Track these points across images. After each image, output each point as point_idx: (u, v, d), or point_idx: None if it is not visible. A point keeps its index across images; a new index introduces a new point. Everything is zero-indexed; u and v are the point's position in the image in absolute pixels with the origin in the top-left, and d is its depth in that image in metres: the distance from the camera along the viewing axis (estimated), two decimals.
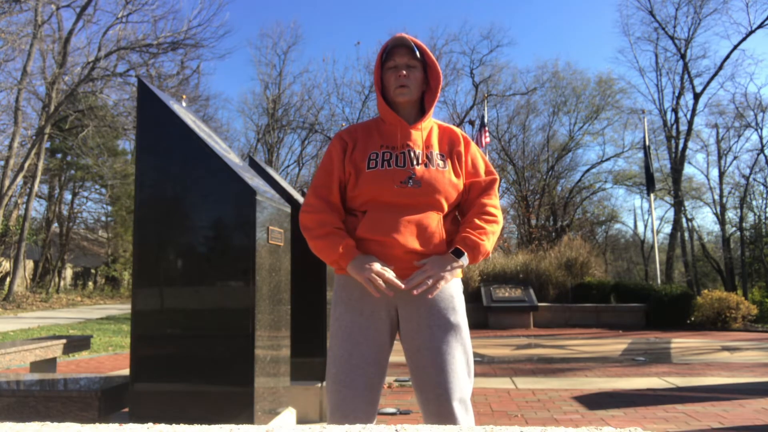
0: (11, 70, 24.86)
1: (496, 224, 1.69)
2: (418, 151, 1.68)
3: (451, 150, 1.73)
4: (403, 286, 1.56)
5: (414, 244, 1.61)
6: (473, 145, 1.79)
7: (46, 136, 19.48)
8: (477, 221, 1.66)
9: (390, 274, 1.57)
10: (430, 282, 1.57)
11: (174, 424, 0.98)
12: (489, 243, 1.65)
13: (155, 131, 2.53)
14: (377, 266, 1.57)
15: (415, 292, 1.56)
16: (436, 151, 1.70)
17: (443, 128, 1.79)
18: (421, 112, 1.77)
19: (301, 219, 1.71)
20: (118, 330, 10.87)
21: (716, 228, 29.50)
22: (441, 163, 1.69)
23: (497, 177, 1.79)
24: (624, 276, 32.21)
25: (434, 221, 1.64)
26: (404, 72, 1.69)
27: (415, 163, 1.66)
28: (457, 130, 1.81)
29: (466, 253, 1.62)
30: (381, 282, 1.55)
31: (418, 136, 1.71)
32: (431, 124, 1.77)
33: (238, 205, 2.45)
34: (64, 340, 3.92)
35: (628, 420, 3.49)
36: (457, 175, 1.70)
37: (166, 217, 2.49)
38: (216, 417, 2.31)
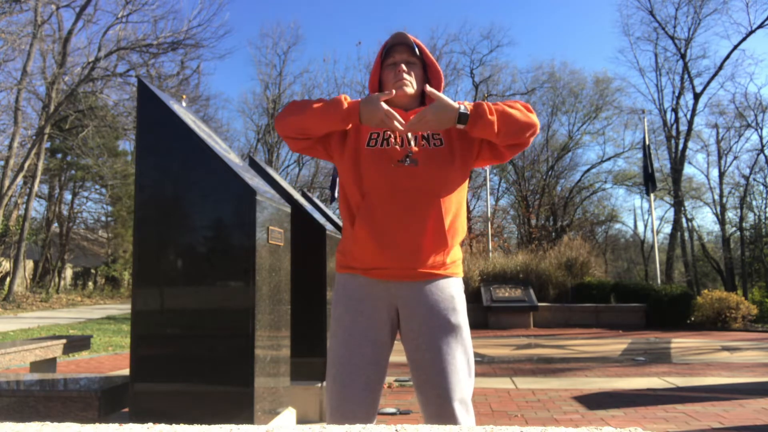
0: (11, 70, 24.90)
1: (521, 111, 1.59)
2: (416, 135, 1.67)
3: (450, 130, 1.69)
4: (402, 128, 1.59)
5: (414, 235, 1.59)
6: None
7: (46, 136, 19.48)
8: (497, 104, 1.62)
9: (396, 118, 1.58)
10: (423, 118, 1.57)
11: (174, 424, 0.98)
12: (501, 118, 1.57)
13: (155, 131, 2.53)
14: (385, 106, 1.58)
15: (409, 130, 1.60)
16: (438, 133, 1.68)
17: None
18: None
19: (278, 122, 1.69)
20: (118, 330, 10.87)
21: (716, 228, 29.52)
22: (439, 142, 1.67)
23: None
24: (624, 276, 32.23)
25: (434, 207, 1.60)
26: (403, 66, 1.70)
27: (413, 143, 1.65)
28: None
29: (469, 114, 1.57)
30: (397, 117, 1.57)
31: None
32: None
33: (238, 205, 2.44)
34: (64, 340, 3.92)
35: (628, 420, 3.49)
36: (455, 153, 1.66)
37: (166, 217, 2.49)
38: (216, 417, 2.31)
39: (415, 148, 1.64)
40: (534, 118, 1.61)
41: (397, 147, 1.64)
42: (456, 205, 1.67)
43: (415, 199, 1.60)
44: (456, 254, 1.69)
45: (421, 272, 1.62)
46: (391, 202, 1.60)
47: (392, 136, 1.66)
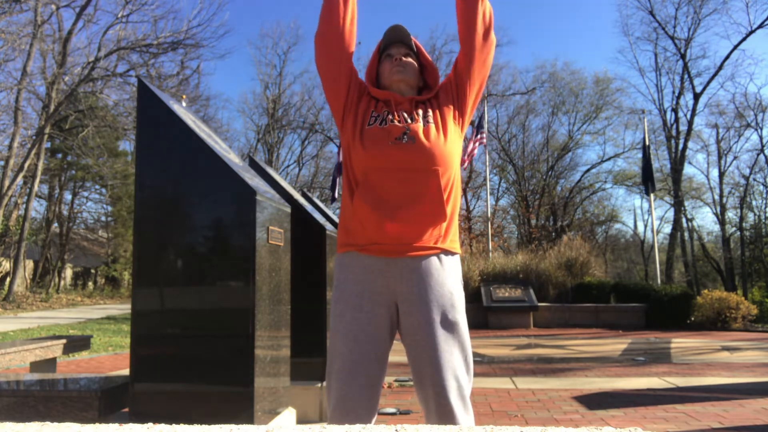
0: (11, 70, 24.91)
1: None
2: (412, 114, 1.72)
3: (441, 102, 1.77)
4: None
5: (413, 210, 1.62)
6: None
7: (46, 136, 19.47)
8: None
9: None
10: None
11: (174, 424, 0.98)
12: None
13: (155, 131, 2.53)
14: None
15: None
16: (429, 112, 1.75)
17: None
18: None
19: (315, 40, 1.78)
20: (118, 330, 10.87)
21: (716, 228, 29.52)
22: (431, 118, 1.72)
23: None
24: (624, 276, 32.20)
25: (433, 183, 1.64)
26: (403, 58, 1.78)
27: (410, 121, 1.70)
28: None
29: None
30: None
31: (411, 105, 1.75)
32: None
33: (238, 205, 2.45)
34: (64, 340, 3.92)
35: (628, 420, 3.49)
36: (447, 127, 1.72)
37: (166, 217, 2.49)
38: (216, 417, 2.31)
39: (413, 125, 1.68)
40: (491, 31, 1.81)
41: (396, 123, 1.68)
42: (453, 179, 1.72)
43: (414, 175, 1.64)
44: (453, 227, 1.73)
45: (418, 246, 1.64)
46: (390, 179, 1.64)
47: (389, 114, 1.70)
